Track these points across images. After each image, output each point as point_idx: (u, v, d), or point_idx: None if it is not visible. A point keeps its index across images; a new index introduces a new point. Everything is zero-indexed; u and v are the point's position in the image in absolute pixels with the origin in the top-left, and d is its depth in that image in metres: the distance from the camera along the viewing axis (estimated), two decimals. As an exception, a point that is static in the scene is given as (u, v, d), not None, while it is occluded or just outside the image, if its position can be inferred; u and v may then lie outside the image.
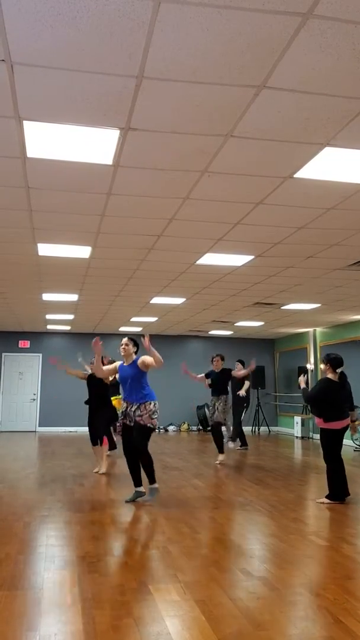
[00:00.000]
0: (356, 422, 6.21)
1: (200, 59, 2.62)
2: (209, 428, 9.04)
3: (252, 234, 5.53)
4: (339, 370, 5.88)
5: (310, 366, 13.83)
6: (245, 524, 4.94)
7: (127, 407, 5.64)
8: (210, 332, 14.72)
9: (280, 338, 15.73)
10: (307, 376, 6.29)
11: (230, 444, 10.42)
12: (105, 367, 6.02)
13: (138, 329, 13.88)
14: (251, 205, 4.68)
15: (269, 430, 15.18)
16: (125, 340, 5.84)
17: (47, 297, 9.44)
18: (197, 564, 3.76)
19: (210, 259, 6.57)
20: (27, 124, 3.27)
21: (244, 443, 10.68)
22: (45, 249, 6.23)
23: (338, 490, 5.76)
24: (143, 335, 5.49)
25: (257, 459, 9.42)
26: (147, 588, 3.27)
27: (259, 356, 13.27)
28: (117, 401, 9.18)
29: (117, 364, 5.92)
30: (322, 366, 6.55)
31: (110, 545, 4.19)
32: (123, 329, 13.71)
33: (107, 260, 6.72)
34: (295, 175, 4.01)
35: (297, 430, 13.89)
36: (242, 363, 10.21)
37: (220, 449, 8.66)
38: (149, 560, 3.84)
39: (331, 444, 5.83)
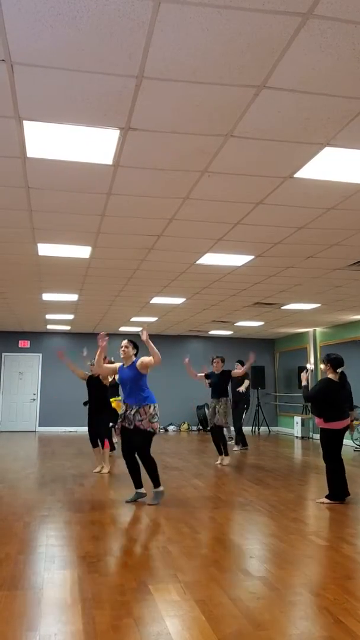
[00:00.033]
0: (356, 422, 6.21)
1: (200, 59, 2.62)
2: (209, 428, 9.02)
3: (252, 234, 5.53)
4: (339, 370, 5.88)
5: (310, 366, 13.83)
6: (245, 524, 4.94)
7: (126, 410, 5.63)
8: (210, 332, 14.72)
9: (280, 338, 15.73)
10: (309, 374, 6.29)
11: (235, 448, 10.46)
12: (105, 365, 6.03)
13: (138, 329, 13.83)
14: (251, 205, 4.68)
15: (269, 430, 15.18)
16: (125, 342, 5.85)
17: (47, 297, 9.44)
18: (197, 564, 3.76)
19: (210, 259, 6.57)
20: (27, 124, 3.28)
21: (244, 443, 10.71)
22: (45, 249, 6.23)
23: (338, 490, 5.76)
24: (142, 329, 5.50)
25: (257, 459, 9.42)
26: (147, 588, 3.27)
27: (259, 356, 13.26)
28: (116, 403, 9.18)
29: (118, 365, 5.93)
30: (322, 366, 6.56)
31: (110, 545, 4.19)
32: (123, 329, 13.71)
33: (107, 260, 6.72)
34: (295, 175, 4.01)
35: (297, 430, 13.89)
36: (242, 364, 10.21)
37: (225, 452, 8.57)
38: (149, 560, 3.84)
39: (331, 444, 5.83)
